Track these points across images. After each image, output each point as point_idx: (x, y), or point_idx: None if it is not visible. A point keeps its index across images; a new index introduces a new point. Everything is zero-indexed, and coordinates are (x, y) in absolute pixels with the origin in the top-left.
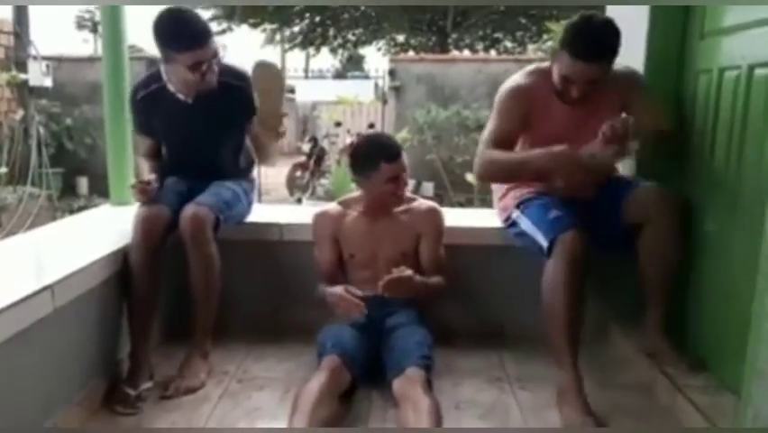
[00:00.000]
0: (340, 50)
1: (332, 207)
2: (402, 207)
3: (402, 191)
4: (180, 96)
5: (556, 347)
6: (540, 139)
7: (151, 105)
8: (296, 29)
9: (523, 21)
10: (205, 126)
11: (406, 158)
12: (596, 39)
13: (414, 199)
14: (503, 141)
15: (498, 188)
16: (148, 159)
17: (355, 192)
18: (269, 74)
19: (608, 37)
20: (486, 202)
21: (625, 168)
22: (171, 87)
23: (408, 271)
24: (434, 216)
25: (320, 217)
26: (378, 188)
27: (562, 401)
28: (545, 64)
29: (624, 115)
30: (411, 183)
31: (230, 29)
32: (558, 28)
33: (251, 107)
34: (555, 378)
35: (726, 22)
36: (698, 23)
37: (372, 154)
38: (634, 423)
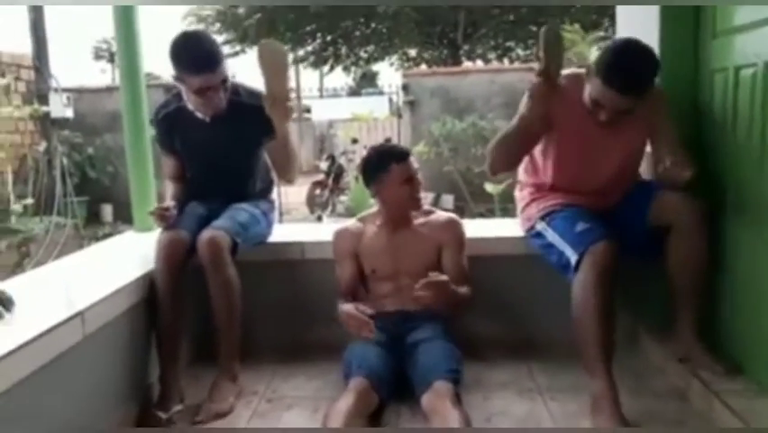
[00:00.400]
0: (353, 68)
1: (351, 223)
2: (421, 220)
3: (418, 193)
4: (199, 115)
5: (589, 358)
6: (561, 147)
7: (172, 123)
8: (308, 48)
9: (534, 29)
10: (222, 144)
11: (416, 162)
12: (632, 72)
13: (432, 212)
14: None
15: (521, 198)
16: (172, 180)
17: (374, 208)
18: (273, 52)
19: (645, 71)
20: (507, 211)
21: (646, 174)
22: (190, 106)
23: (444, 277)
24: (454, 226)
25: (340, 234)
26: (393, 194)
27: (596, 411)
28: (583, 70)
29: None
30: (430, 196)
31: (243, 51)
32: (571, 34)
33: (267, 126)
34: (588, 388)
35: (738, 20)
36: (709, 22)
37: (381, 158)
38: (669, 429)
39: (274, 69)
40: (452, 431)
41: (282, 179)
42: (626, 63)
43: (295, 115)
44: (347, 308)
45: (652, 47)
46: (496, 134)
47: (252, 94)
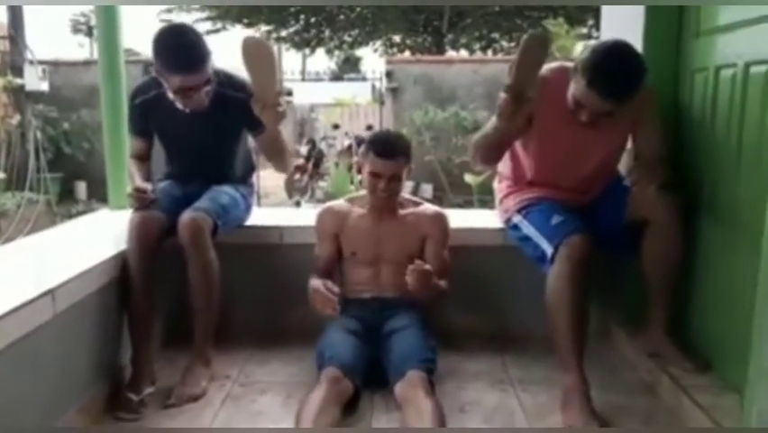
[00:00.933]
0: (336, 51)
1: (338, 202)
2: (408, 210)
3: (379, 191)
4: (179, 105)
5: (561, 350)
6: (541, 143)
7: (149, 110)
8: (291, 29)
9: (519, 21)
10: (203, 134)
11: (401, 167)
12: (618, 77)
13: (419, 204)
14: None
15: (498, 189)
16: (137, 161)
17: (363, 192)
18: (259, 52)
19: (631, 77)
20: (485, 203)
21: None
22: (170, 95)
23: (428, 266)
24: (441, 219)
25: (324, 212)
26: (366, 179)
27: (567, 405)
28: (571, 64)
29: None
30: (410, 185)
31: (224, 28)
32: (556, 27)
33: (254, 120)
34: (559, 381)
35: (721, 20)
36: (693, 22)
37: (368, 145)
38: (639, 425)
39: (261, 71)
40: (430, 431)
41: (275, 169)
42: (613, 67)
43: (286, 98)
44: (316, 283)
45: (639, 51)
46: (477, 126)
47: (236, 84)
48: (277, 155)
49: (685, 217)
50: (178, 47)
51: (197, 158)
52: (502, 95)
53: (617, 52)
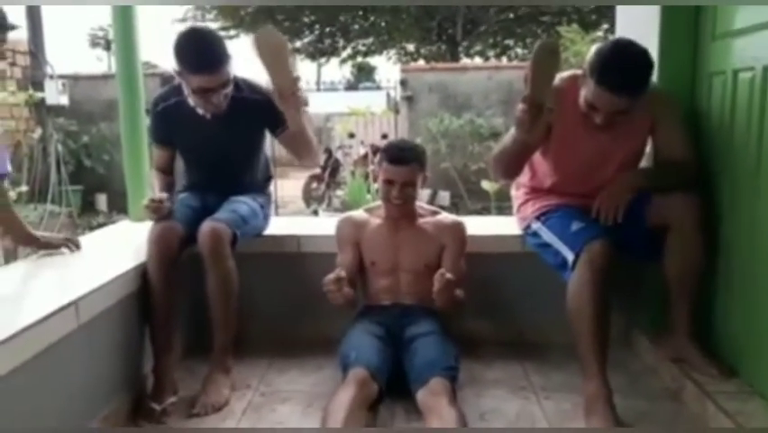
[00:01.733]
0: (350, 61)
1: (357, 212)
2: (427, 219)
3: (394, 197)
4: (199, 111)
5: (584, 357)
6: (558, 153)
7: (171, 117)
8: (306, 40)
9: (533, 27)
10: (223, 141)
11: (417, 174)
12: (626, 72)
13: (438, 213)
14: None
15: (516, 197)
16: (159, 172)
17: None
18: (270, 42)
19: (638, 69)
20: (503, 209)
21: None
22: (191, 102)
23: (450, 275)
24: (459, 229)
25: (344, 221)
26: (380, 186)
27: (590, 412)
28: (580, 72)
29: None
30: (427, 193)
31: (237, 36)
32: (570, 33)
33: (275, 118)
34: (581, 387)
35: (738, 23)
36: (709, 25)
37: (384, 151)
38: (664, 429)
39: (275, 61)
40: (451, 431)
41: (303, 163)
42: (618, 62)
43: (304, 108)
44: (329, 276)
45: (645, 47)
46: (493, 132)
47: (254, 88)
48: (304, 148)
49: (707, 222)
50: (199, 47)
51: (217, 166)
52: (520, 106)
53: (620, 47)
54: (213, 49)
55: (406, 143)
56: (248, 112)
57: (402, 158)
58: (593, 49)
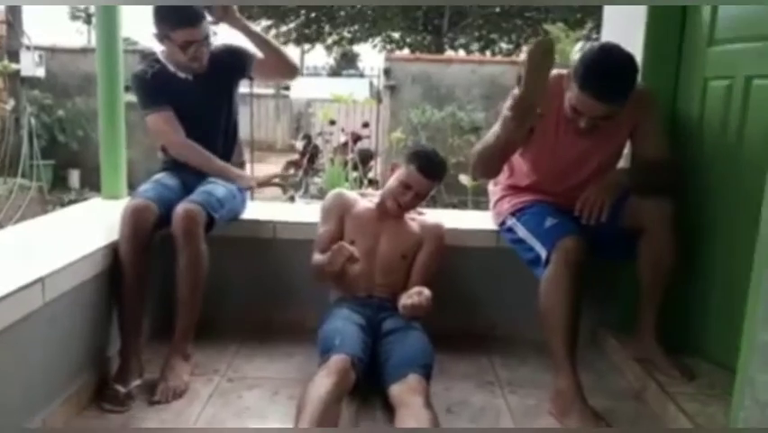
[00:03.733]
0: (335, 47)
1: (349, 191)
2: (411, 216)
3: (403, 201)
4: (181, 75)
5: (555, 353)
6: (538, 152)
7: (162, 81)
8: (291, 25)
9: (519, 22)
10: (204, 101)
11: (432, 189)
12: (610, 79)
13: (422, 213)
14: None
15: (493, 192)
16: (192, 142)
17: (379, 191)
18: None
19: (622, 77)
20: (480, 204)
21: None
22: (171, 68)
23: (426, 293)
24: (439, 231)
25: (335, 194)
26: (392, 183)
27: (565, 409)
28: (566, 71)
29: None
30: None
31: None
32: (555, 31)
33: (241, 54)
34: (552, 383)
35: (735, 31)
36: (702, 30)
37: (417, 155)
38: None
39: None
40: (429, 431)
41: (287, 76)
42: (603, 69)
43: (283, 92)
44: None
45: (631, 52)
46: (474, 126)
47: (226, 45)
48: (272, 53)
49: (692, 223)
50: (180, 5)
51: (198, 130)
52: (509, 103)
53: (605, 53)
54: (191, 6)
55: (439, 157)
56: (222, 64)
57: (433, 173)
58: (577, 52)
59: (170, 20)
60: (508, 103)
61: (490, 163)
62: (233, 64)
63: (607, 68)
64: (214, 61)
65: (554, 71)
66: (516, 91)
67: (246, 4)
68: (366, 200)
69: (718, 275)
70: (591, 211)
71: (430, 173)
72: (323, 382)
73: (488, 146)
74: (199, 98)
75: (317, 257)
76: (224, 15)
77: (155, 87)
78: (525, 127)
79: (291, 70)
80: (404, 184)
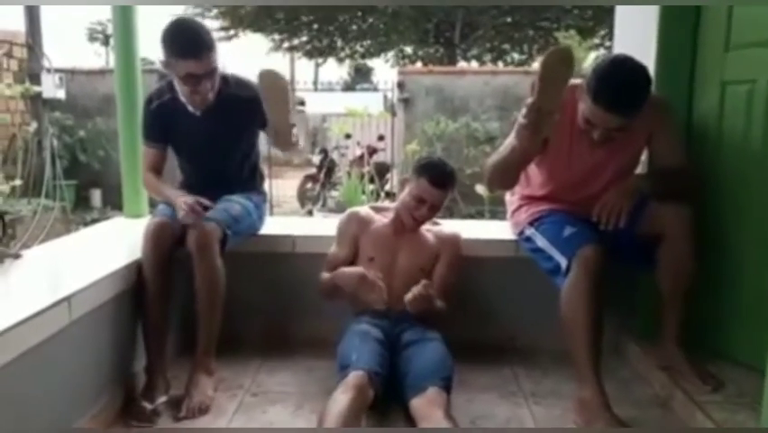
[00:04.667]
0: (348, 61)
1: (364, 209)
2: (428, 227)
3: (419, 215)
4: (190, 108)
5: (578, 362)
6: (553, 164)
7: (165, 114)
8: (303, 38)
9: (531, 32)
10: (213, 138)
11: (446, 199)
12: (622, 92)
13: (438, 223)
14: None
15: (510, 202)
16: (153, 173)
17: (392, 204)
18: (273, 84)
19: (635, 89)
20: (496, 214)
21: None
22: (183, 99)
23: (432, 290)
24: (456, 241)
25: (350, 215)
26: (405, 197)
27: (588, 418)
28: (579, 81)
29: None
30: None
31: (236, 35)
32: (567, 39)
33: (261, 116)
34: (576, 393)
35: (757, 35)
36: (718, 34)
37: (426, 168)
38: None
39: (275, 101)
40: (450, 431)
41: (284, 149)
42: (616, 82)
43: (299, 107)
44: (357, 270)
45: (643, 64)
46: (488, 136)
47: (243, 84)
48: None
49: (717, 228)
50: (186, 34)
51: (210, 163)
52: (522, 113)
53: (618, 66)
54: (199, 35)
55: (448, 166)
56: (237, 108)
57: (444, 183)
58: (591, 64)
59: (173, 49)
60: (523, 111)
61: (507, 175)
62: (252, 115)
63: (620, 80)
64: (232, 101)
65: (573, 82)
66: (529, 100)
67: (260, 4)
68: (381, 216)
69: (747, 278)
70: (609, 216)
71: (441, 183)
72: (341, 399)
73: (503, 157)
74: (208, 134)
75: (326, 276)
76: (277, 138)
77: (154, 120)
78: (541, 136)
79: (294, 152)
80: (417, 198)
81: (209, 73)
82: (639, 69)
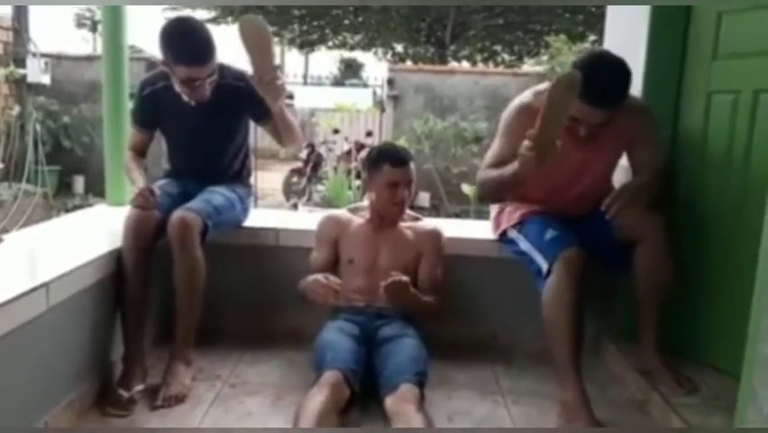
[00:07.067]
0: (338, 51)
1: (341, 211)
2: (407, 224)
3: (399, 199)
4: (184, 98)
5: (560, 365)
6: (546, 167)
7: (157, 102)
8: (295, 32)
9: (521, 35)
10: (205, 127)
11: (413, 173)
12: (604, 84)
13: (419, 219)
14: (505, 162)
15: (493, 204)
16: (135, 153)
17: (366, 202)
18: (255, 29)
19: (617, 83)
20: (481, 214)
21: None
22: (177, 88)
23: (405, 278)
24: (437, 236)
25: (327, 219)
26: (378, 192)
27: (568, 419)
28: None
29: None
30: None
31: (226, 22)
32: (557, 43)
33: (260, 107)
34: (559, 394)
35: (742, 46)
36: (706, 43)
37: (379, 155)
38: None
39: (257, 48)
40: (426, 431)
41: (285, 147)
42: (599, 76)
43: (288, 101)
44: (316, 276)
45: (620, 57)
46: (476, 136)
47: (238, 75)
48: (286, 133)
49: (698, 233)
50: (187, 40)
51: (199, 152)
52: (526, 145)
53: (597, 60)
54: (200, 41)
55: (396, 145)
56: (232, 99)
57: (404, 158)
58: (571, 61)
59: (173, 53)
60: (526, 144)
61: (502, 194)
62: (246, 107)
63: (603, 75)
64: (226, 92)
65: (543, 86)
66: (532, 132)
67: (255, 4)
68: (359, 216)
69: (725, 284)
70: (620, 206)
71: (403, 160)
72: (316, 398)
73: (503, 180)
74: (201, 123)
75: (311, 277)
76: (261, 85)
77: (145, 106)
78: (546, 162)
79: (292, 146)
80: (389, 185)
81: (208, 76)
82: (619, 62)
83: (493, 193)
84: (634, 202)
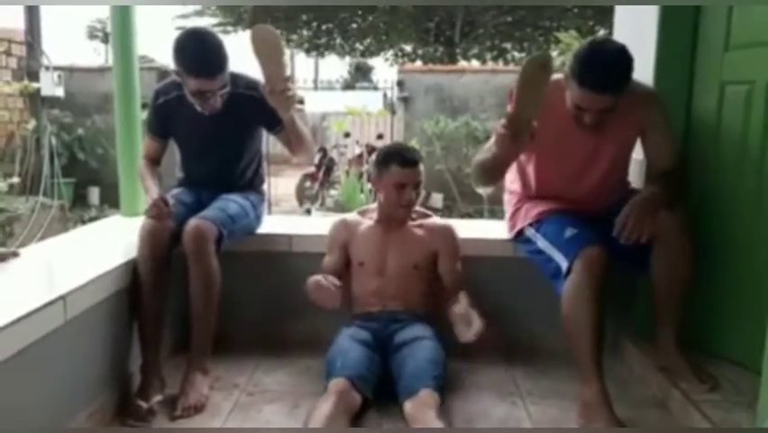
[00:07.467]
0: (347, 57)
1: (351, 215)
2: (417, 222)
3: (406, 201)
4: (197, 107)
5: (581, 363)
6: (542, 159)
7: (170, 111)
8: (303, 35)
9: (531, 32)
10: (218, 135)
11: (422, 174)
12: (605, 69)
13: (429, 216)
14: None
15: (508, 202)
16: (149, 162)
17: (374, 204)
18: (266, 39)
19: (617, 67)
20: (495, 213)
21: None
22: (190, 99)
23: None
24: (449, 232)
25: (337, 224)
26: (385, 193)
27: (592, 419)
28: (561, 76)
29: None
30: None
31: (235, 31)
32: (568, 39)
33: (272, 117)
34: (579, 393)
35: (758, 36)
36: (718, 34)
37: (387, 156)
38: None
39: (269, 58)
40: (447, 430)
41: (297, 158)
42: (597, 62)
43: (298, 106)
44: (314, 277)
45: (621, 43)
46: (488, 136)
47: (251, 85)
48: (297, 143)
49: (716, 228)
50: (200, 52)
51: (212, 161)
52: (502, 122)
53: (597, 46)
54: (213, 54)
55: (407, 145)
56: (244, 108)
57: (413, 159)
58: (573, 51)
59: (186, 65)
60: (502, 121)
61: (489, 175)
62: (258, 116)
63: (602, 59)
64: (239, 102)
65: (556, 76)
66: (509, 109)
67: (260, 4)
68: (368, 218)
69: (745, 278)
70: (631, 234)
71: (412, 161)
72: (323, 406)
73: (485, 161)
74: (213, 133)
75: (312, 277)
76: (272, 95)
77: (158, 115)
78: (521, 143)
79: (304, 157)
80: (397, 185)
81: (220, 88)
82: (618, 46)
83: (481, 175)
84: (644, 218)
